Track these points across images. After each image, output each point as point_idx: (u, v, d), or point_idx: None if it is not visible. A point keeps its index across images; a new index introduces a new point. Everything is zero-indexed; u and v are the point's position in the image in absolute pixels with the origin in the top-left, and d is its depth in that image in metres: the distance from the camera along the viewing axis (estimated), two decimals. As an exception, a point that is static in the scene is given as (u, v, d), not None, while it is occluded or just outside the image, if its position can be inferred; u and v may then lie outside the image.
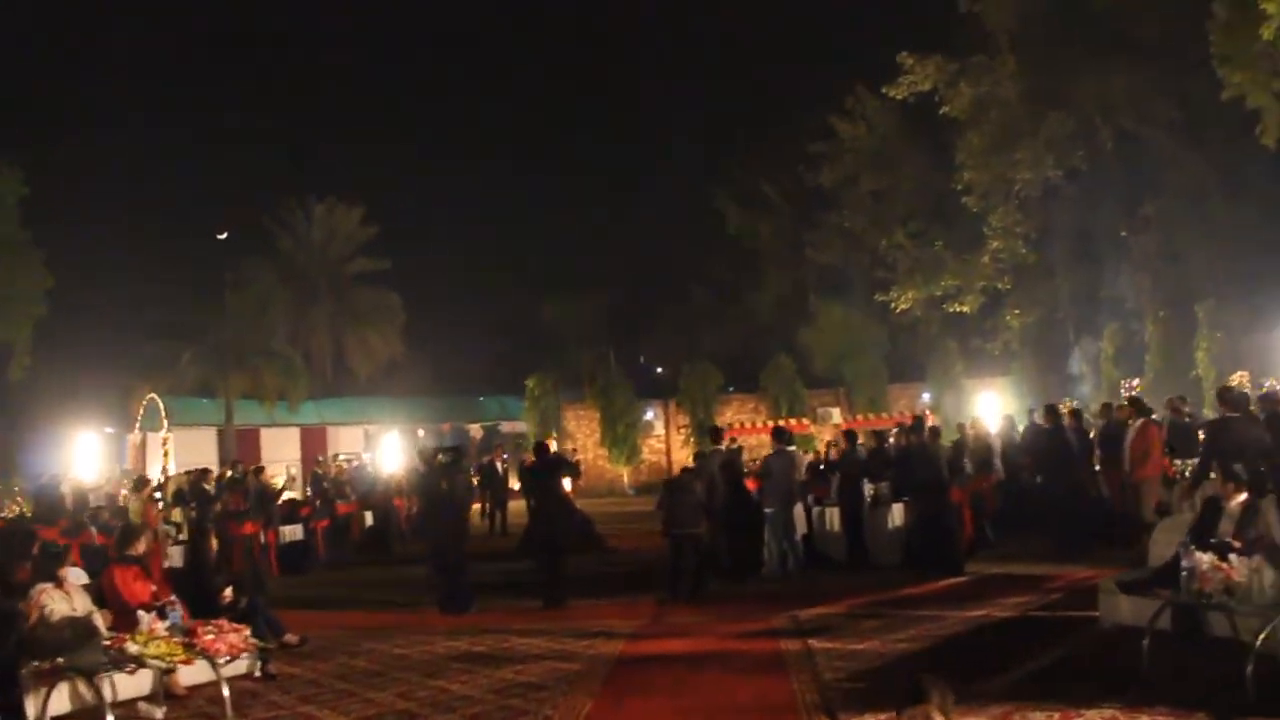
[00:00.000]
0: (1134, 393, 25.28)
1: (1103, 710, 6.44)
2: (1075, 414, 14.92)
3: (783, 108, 36.00)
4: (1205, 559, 7.17)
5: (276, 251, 38.88)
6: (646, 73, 51.46)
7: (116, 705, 7.86)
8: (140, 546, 9.40)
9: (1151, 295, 27.12)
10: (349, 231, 39.88)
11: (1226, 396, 11.52)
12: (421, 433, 35.46)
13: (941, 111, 28.27)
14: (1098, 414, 16.58)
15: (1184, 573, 7.24)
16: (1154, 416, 14.11)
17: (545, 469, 12.87)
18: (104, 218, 37.66)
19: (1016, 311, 30.15)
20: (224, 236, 36.81)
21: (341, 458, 31.01)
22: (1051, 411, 14.44)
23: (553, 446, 13.49)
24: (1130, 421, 13.46)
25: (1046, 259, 29.17)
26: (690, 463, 14.07)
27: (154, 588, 9.08)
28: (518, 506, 20.24)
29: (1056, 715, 6.43)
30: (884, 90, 29.04)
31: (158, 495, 17.30)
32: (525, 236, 40.73)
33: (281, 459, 31.60)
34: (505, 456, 25.06)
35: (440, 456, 12.87)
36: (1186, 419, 15.21)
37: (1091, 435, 15.26)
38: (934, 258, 30.27)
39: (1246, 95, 21.13)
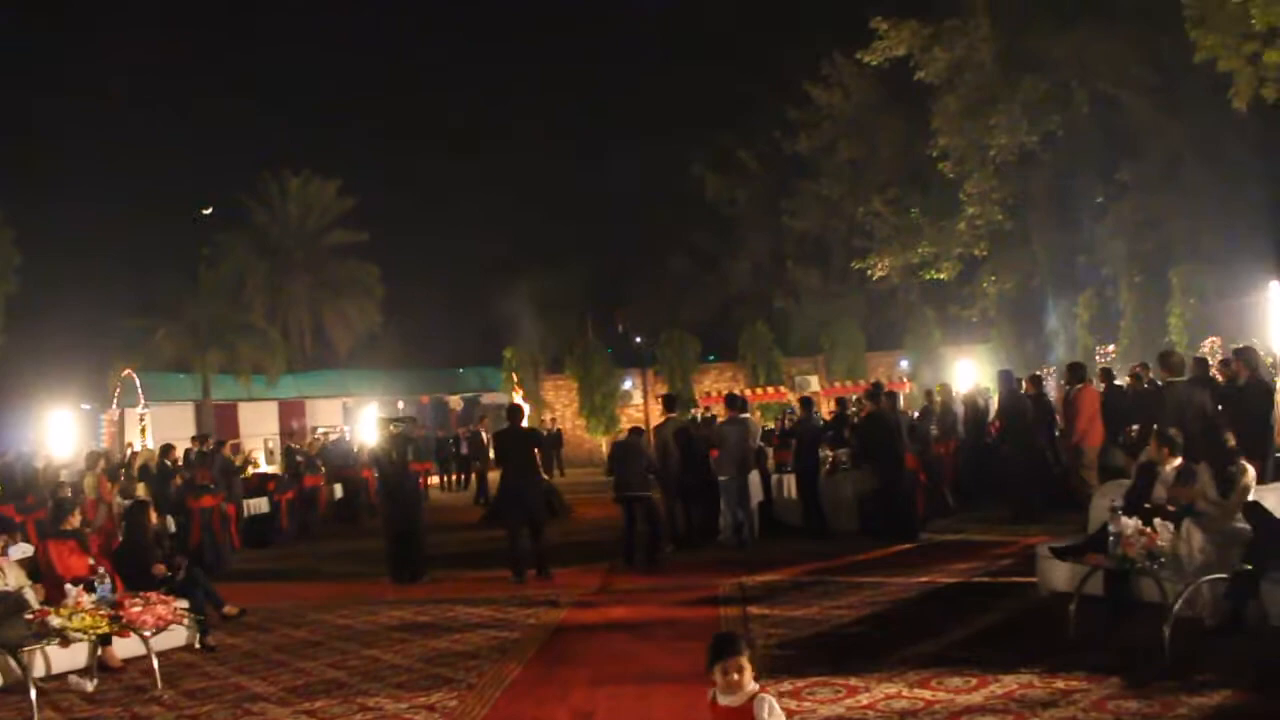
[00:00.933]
0: (1109, 359, 25.41)
1: (1020, 676, 6.42)
2: (1034, 380, 14.84)
3: (759, 75, 35.71)
4: (1130, 524, 7.14)
5: (252, 225, 38.65)
6: (622, 40, 51.13)
7: (50, 678, 7.87)
8: (74, 520, 9.38)
9: (1127, 261, 27.01)
10: (325, 204, 39.68)
11: (1167, 362, 11.46)
12: (401, 405, 35.41)
13: (917, 77, 28.04)
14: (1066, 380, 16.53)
15: (1110, 538, 7.21)
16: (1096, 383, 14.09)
17: (515, 438, 12.60)
18: (75, 194, 37.42)
19: (993, 278, 30.07)
20: (209, 212, 36.76)
21: (320, 431, 31.00)
22: (1007, 376, 14.37)
23: (524, 413, 13.21)
24: (1071, 387, 13.42)
25: (1023, 225, 29.05)
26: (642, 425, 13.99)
27: (90, 561, 9.04)
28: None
29: (974, 681, 6.41)
30: (859, 56, 28.76)
31: (121, 471, 17.18)
32: (502, 206, 40.47)
33: (260, 433, 31.56)
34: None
35: (392, 427, 12.80)
36: (1147, 385, 15.13)
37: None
38: (911, 225, 30.15)
39: (1218, 58, 20.95)
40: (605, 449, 32.76)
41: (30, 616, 7.74)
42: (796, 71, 33.04)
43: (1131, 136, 26.64)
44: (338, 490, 20.58)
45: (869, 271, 31.24)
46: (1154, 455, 8.19)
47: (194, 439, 21.01)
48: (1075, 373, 12.84)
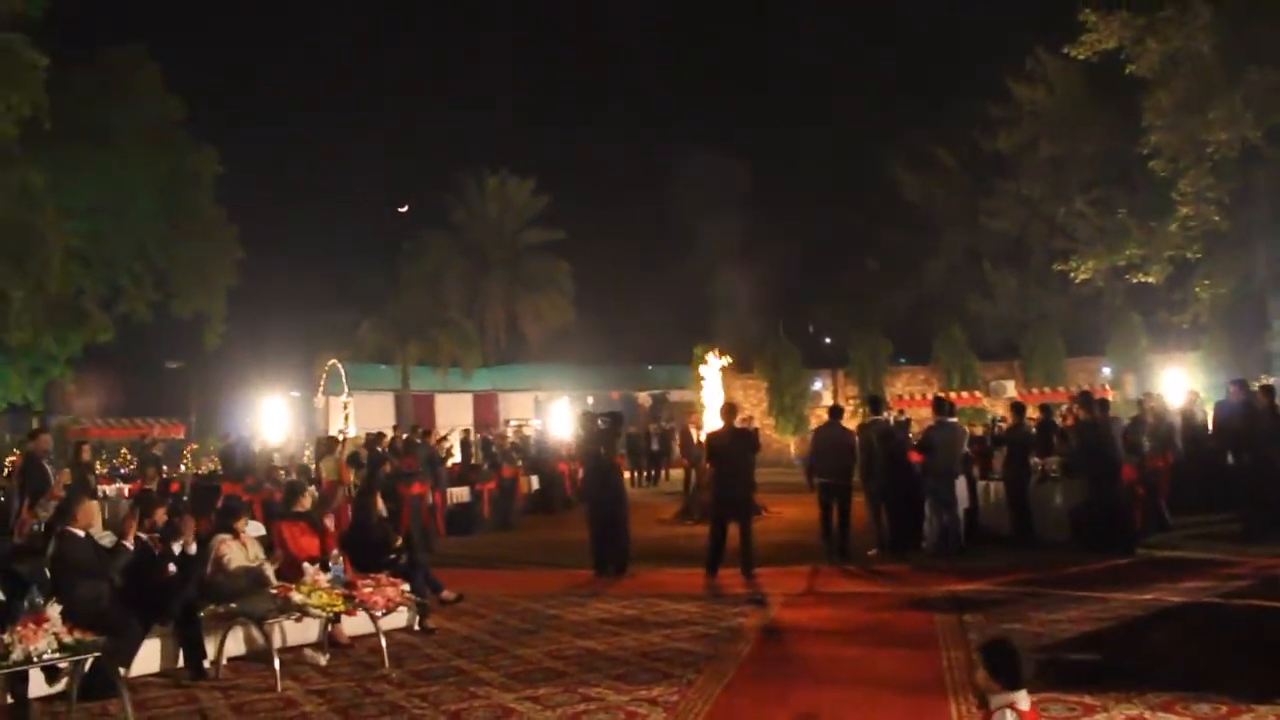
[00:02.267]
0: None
1: (1276, 707, 6.05)
2: (1267, 390, 13.98)
3: (959, 71, 34.84)
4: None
5: (451, 223, 40.00)
6: (818, 33, 50.61)
7: (285, 650, 8.34)
8: (305, 502, 9.88)
9: (1360, 266, 25.19)
10: (521, 203, 40.71)
11: None
12: (590, 400, 36.05)
13: (1127, 71, 26.77)
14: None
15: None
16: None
17: (730, 438, 12.62)
18: (289, 195, 39.49)
19: (1207, 282, 28.38)
20: (404, 210, 38.32)
21: (513, 423, 31.86)
22: (1241, 385, 13.60)
23: (738, 413, 13.28)
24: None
25: (1242, 226, 27.36)
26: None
27: (321, 541, 9.53)
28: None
29: (1224, 709, 6.08)
30: (1065, 50, 27.65)
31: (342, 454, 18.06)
32: (695, 205, 40.64)
33: (455, 424, 32.69)
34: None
35: (599, 422, 13.03)
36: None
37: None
38: (1118, 225, 28.79)
39: None
40: (794, 449, 32.75)
41: (275, 591, 8.21)
42: (999, 68, 32.08)
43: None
44: (534, 482, 21.07)
45: (1071, 274, 29.99)
46: None
47: (400, 427, 21.99)
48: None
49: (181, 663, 8.08)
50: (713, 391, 19.69)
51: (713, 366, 19.89)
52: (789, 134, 48.33)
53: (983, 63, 32.87)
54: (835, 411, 13.82)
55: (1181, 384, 24.31)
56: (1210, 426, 17.43)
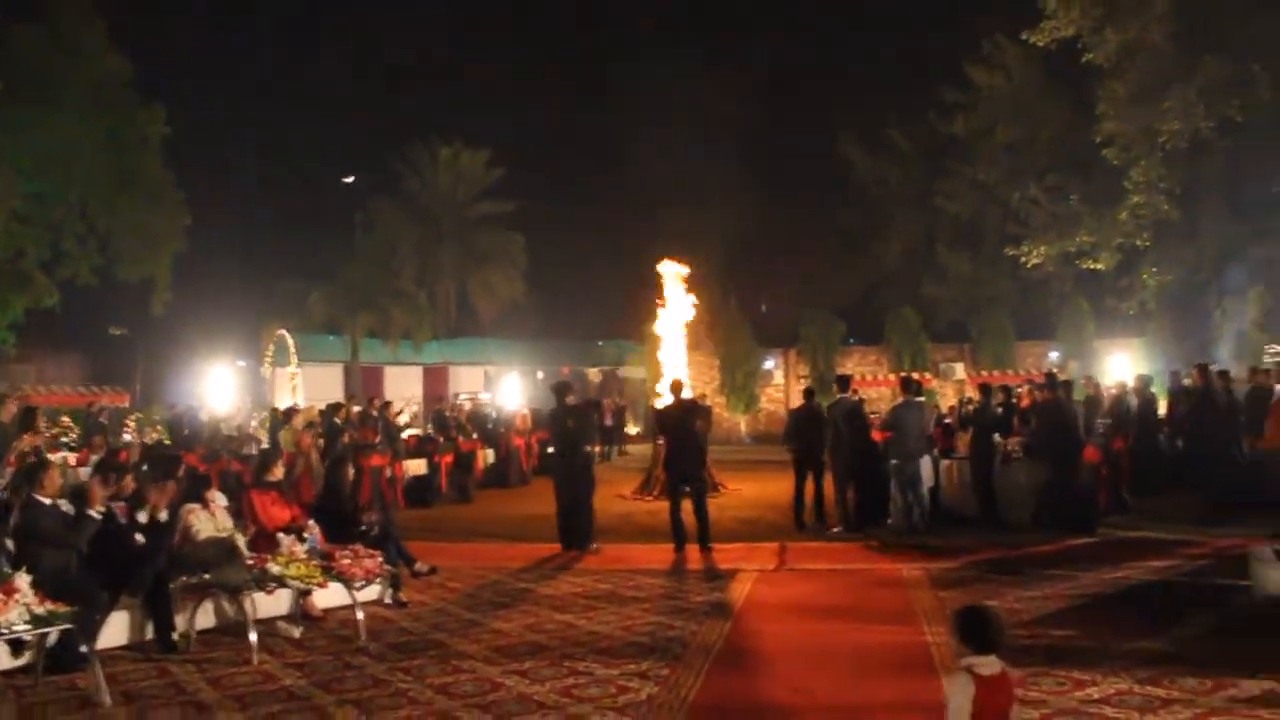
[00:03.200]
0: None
1: (1262, 682, 6.15)
2: (1224, 375, 14.25)
3: (916, 54, 34.99)
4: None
5: (403, 194, 39.46)
6: (774, 18, 50.49)
7: (256, 623, 8.14)
8: (278, 472, 9.68)
9: (1305, 254, 25.75)
10: (474, 175, 40.27)
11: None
12: (540, 375, 35.88)
13: (1085, 59, 27.05)
14: (1246, 379, 15.86)
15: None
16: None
17: (680, 411, 12.76)
18: (239, 161, 38.69)
19: (1155, 270, 28.89)
20: (350, 180, 37.72)
21: (462, 397, 31.57)
22: (1201, 371, 13.82)
23: (684, 387, 13.35)
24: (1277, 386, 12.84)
25: (1190, 216, 27.83)
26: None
27: (292, 512, 9.34)
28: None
29: (1210, 683, 6.17)
30: (1024, 37, 27.87)
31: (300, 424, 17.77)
32: (646, 181, 40.45)
33: (404, 397, 32.33)
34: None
35: (570, 397, 12.91)
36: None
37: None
38: (1069, 212, 29.15)
39: None
40: (744, 428, 32.86)
41: (251, 562, 8.02)
42: (956, 53, 32.28)
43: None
44: (489, 455, 20.90)
45: (1023, 259, 30.30)
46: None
47: (353, 398, 21.68)
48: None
49: (150, 635, 7.87)
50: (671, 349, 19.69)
51: (671, 275, 19.74)
52: (743, 113, 48.27)
53: (940, 47, 33.08)
54: (809, 393, 14.47)
55: (1127, 369, 24.75)
56: (1164, 411, 17.80)
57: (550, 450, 14.98)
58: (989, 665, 3.98)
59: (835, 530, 12.91)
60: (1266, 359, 24.33)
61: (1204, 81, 24.91)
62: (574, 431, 12.42)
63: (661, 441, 13.93)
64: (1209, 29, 25.01)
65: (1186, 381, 15.23)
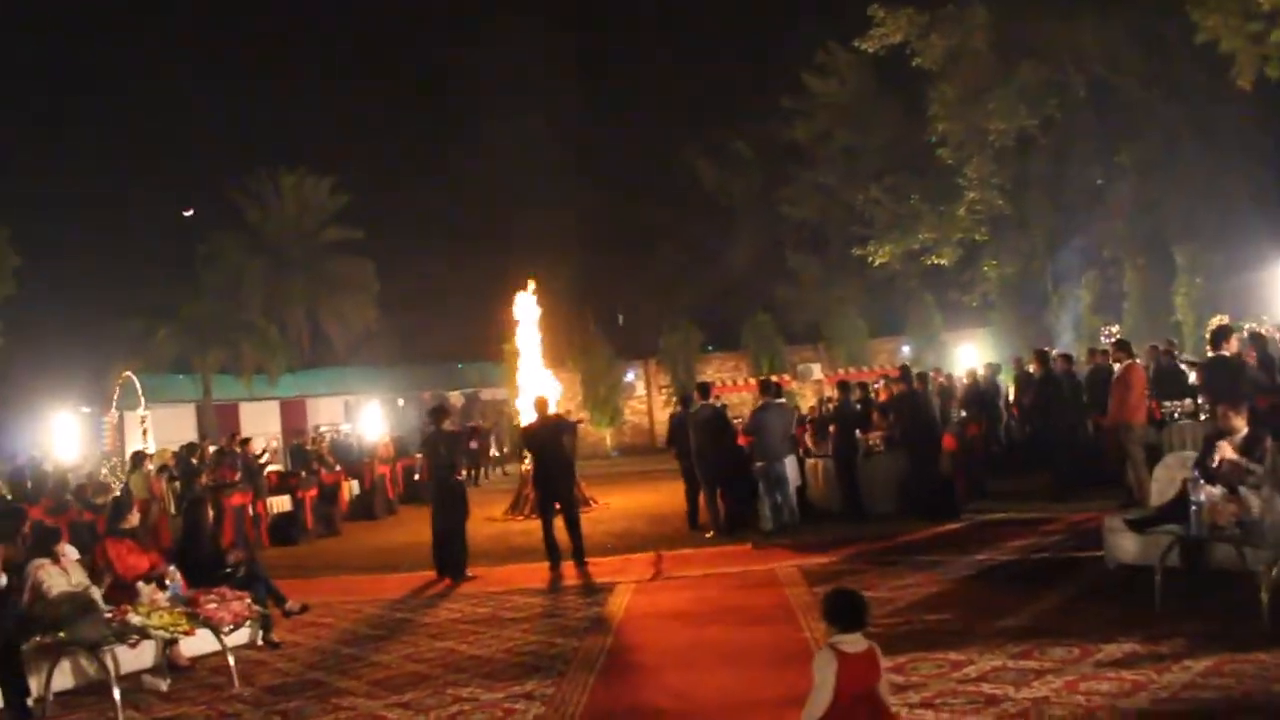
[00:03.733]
0: (1117, 337, 25.51)
1: (1122, 644, 6.46)
2: (1066, 358, 14.91)
3: (754, 64, 35.64)
4: (1217, 492, 7.18)
5: (247, 224, 38.31)
6: (614, 28, 50.75)
7: (119, 679, 7.76)
8: (133, 519, 9.28)
9: (1129, 243, 27.16)
10: (320, 202, 39.34)
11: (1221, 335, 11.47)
12: (401, 402, 35.29)
13: (914, 64, 28.05)
14: (1085, 361, 16.65)
15: (1194, 507, 7.24)
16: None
17: (546, 429, 12.67)
18: (70, 196, 36.92)
19: (994, 263, 30.15)
20: (190, 214, 36.47)
21: (322, 429, 30.83)
22: (1042, 357, 14.43)
23: (549, 404, 13.27)
24: (1116, 364, 13.47)
25: (1022, 209, 29.11)
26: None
27: (151, 559, 8.95)
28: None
29: (1076, 651, 6.43)
30: (855, 44, 28.74)
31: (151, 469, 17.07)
32: (496, 201, 40.15)
33: (262, 433, 31.38)
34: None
35: (446, 424, 12.71)
36: (1173, 362, 15.24)
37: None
38: (910, 211, 30.13)
39: (1220, 39, 21.07)
40: (609, 441, 32.93)
41: (109, 615, 7.65)
42: (792, 60, 33.05)
43: (1129, 118, 26.72)
44: (354, 487, 20.46)
45: (869, 259, 31.18)
46: (1222, 420, 8.14)
47: (212, 437, 20.96)
48: (1123, 349, 12.80)
49: (0, 703, 7.41)
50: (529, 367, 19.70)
51: (525, 294, 19.81)
52: (589, 129, 48.40)
53: (778, 56, 33.76)
54: (685, 400, 14.71)
55: (975, 359, 25.77)
56: (1010, 397, 18.55)
57: (417, 478, 14.75)
58: (854, 643, 4.17)
59: (708, 535, 13.04)
60: (1103, 340, 25.57)
61: (1023, 84, 26.13)
62: (447, 456, 12.26)
63: (529, 460, 13.88)
64: (1026, 35, 26.25)
65: (1030, 368, 15.86)
